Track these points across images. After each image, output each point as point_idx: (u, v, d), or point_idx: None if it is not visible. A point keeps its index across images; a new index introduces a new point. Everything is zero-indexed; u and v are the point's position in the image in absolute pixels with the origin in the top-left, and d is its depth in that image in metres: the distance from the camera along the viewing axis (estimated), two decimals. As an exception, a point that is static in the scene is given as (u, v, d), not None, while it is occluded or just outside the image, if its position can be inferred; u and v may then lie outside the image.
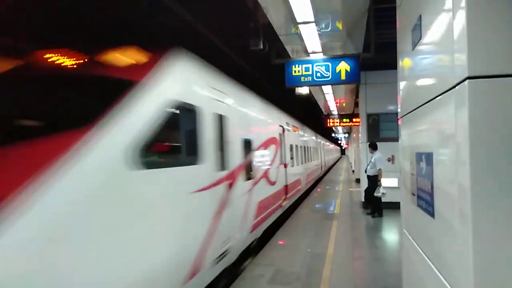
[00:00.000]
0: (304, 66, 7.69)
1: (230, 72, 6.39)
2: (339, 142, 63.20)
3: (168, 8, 6.91)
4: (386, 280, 5.39)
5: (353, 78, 7.58)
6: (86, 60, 4.17)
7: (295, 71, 7.69)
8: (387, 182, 9.66)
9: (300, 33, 6.82)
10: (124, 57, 4.14)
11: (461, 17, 1.60)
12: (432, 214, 2.13)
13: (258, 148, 7.41)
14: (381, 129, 11.23)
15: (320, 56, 7.91)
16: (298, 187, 13.05)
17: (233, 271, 5.83)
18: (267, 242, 7.80)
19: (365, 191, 10.76)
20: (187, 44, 4.95)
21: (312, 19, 6.13)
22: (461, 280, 1.67)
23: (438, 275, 2.01)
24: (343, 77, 7.51)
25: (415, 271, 2.76)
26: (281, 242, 7.79)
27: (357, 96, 13.91)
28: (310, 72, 7.64)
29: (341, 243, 7.57)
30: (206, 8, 7.79)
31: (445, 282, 1.89)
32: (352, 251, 7.03)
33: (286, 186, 10.37)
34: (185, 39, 6.11)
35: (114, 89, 3.55)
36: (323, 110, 20.33)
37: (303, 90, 11.80)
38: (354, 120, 17.72)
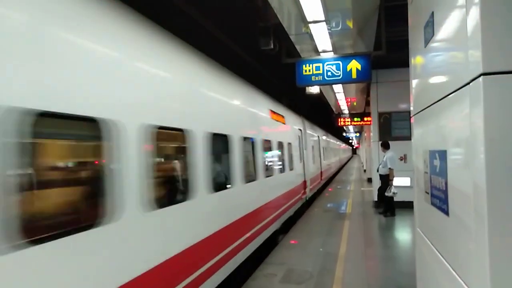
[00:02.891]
0: (314, 65, 7.65)
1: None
2: (350, 141, 62.80)
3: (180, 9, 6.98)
4: (399, 279, 5.35)
5: (365, 77, 7.52)
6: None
7: (305, 71, 7.66)
8: (399, 181, 9.57)
9: (311, 32, 6.80)
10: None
11: (474, 12, 1.59)
12: (446, 212, 2.11)
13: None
14: (393, 128, 11.15)
15: (331, 55, 7.88)
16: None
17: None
18: (279, 243, 7.80)
19: (378, 190, 10.69)
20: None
21: (323, 17, 6.11)
22: (477, 278, 1.65)
23: (453, 274, 1.99)
24: (354, 75, 7.46)
25: (429, 270, 2.73)
26: (293, 242, 7.79)
27: (368, 95, 13.80)
28: (320, 71, 7.61)
29: (354, 242, 7.53)
30: (215, 6, 7.85)
31: (460, 280, 1.87)
32: (364, 250, 6.99)
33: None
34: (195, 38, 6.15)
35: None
36: (333, 109, 20.24)
37: (314, 90, 11.76)
38: (365, 119, 17.60)
